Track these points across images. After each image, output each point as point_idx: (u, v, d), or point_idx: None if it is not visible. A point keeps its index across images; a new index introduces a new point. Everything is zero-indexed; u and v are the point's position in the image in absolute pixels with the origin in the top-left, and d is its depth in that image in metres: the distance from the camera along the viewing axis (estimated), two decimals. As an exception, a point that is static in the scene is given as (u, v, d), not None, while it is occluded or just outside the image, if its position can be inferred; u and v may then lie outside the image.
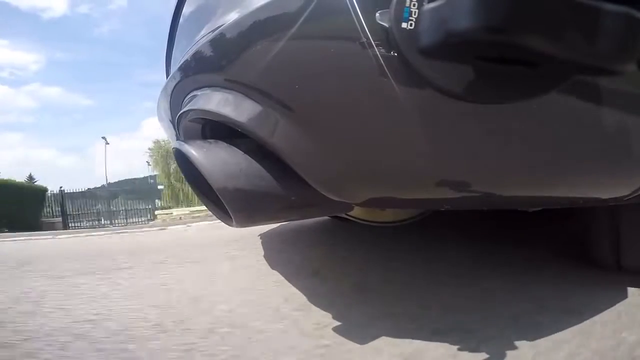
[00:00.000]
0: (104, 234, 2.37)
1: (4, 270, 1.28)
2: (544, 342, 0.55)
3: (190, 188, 0.69)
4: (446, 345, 0.56)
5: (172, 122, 0.75)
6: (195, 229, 2.36)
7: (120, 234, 2.32)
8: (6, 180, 9.78)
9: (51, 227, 9.42)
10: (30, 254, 1.72)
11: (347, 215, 1.11)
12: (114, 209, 14.00)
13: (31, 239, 2.40)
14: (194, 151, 0.52)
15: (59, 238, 2.39)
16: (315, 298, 0.82)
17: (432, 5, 0.32)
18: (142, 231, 2.47)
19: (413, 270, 0.97)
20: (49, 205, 11.69)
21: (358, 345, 0.59)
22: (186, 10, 0.76)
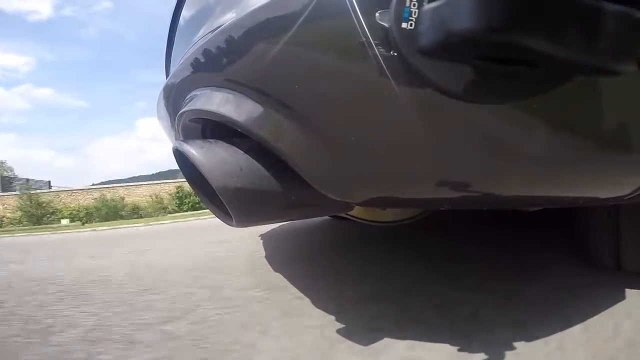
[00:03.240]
0: None
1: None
2: (543, 342, 0.55)
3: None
4: (447, 345, 0.56)
5: (172, 122, 0.74)
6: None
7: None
8: None
9: None
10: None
11: (347, 214, 1.11)
12: None
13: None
14: (193, 151, 0.52)
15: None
16: (317, 299, 0.82)
17: (432, 5, 0.32)
18: None
19: (413, 271, 0.97)
20: None
21: (359, 346, 0.59)
22: (186, 10, 0.76)
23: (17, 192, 11.17)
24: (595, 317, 0.62)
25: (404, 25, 0.35)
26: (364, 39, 0.37)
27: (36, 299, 1.02)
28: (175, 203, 10.47)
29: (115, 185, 12.02)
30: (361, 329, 0.64)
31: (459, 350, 0.55)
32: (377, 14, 0.36)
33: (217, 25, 0.52)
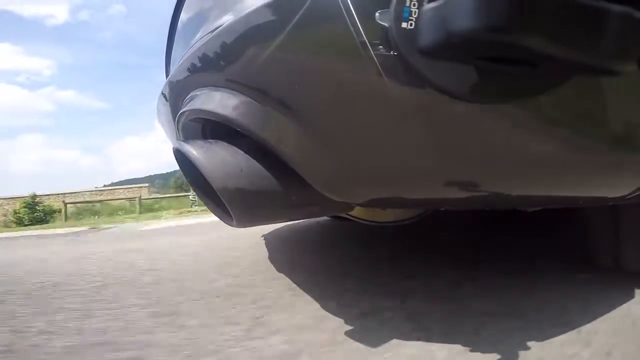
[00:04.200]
0: None
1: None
2: (543, 342, 0.55)
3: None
4: (447, 345, 0.56)
5: (172, 122, 0.75)
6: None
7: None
8: None
9: None
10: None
11: (348, 215, 1.11)
12: None
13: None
14: (194, 151, 0.52)
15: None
16: (317, 298, 0.82)
17: (432, 5, 0.32)
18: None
19: (413, 271, 0.97)
20: None
21: (362, 346, 0.59)
22: (186, 10, 0.76)
23: None
24: (596, 317, 0.62)
25: (404, 25, 0.35)
26: (364, 39, 0.37)
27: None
28: None
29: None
30: (361, 328, 0.64)
31: (460, 349, 0.55)
32: (377, 14, 0.36)
33: (217, 25, 0.52)
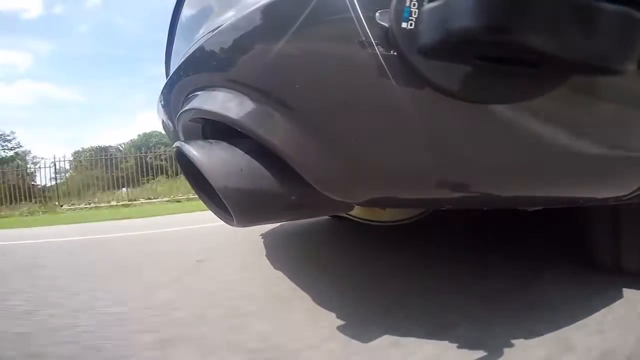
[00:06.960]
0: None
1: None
2: (542, 343, 0.55)
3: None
4: (445, 343, 0.56)
5: (173, 121, 0.75)
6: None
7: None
8: None
9: None
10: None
11: (348, 214, 1.11)
12: None
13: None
14: (194, 151, 0.52)
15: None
16: (317, 297, 0.82)
17: (432, 5, 0.32)
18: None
19: (412, 270, 0.98)
20: None
21: (360, 344, 0.59)
22: (186, 9, 0.76)
23: None
24: (595, 319, 0.62)
25: (404, 25, 0.35)
26: (364, 38, 0.37)
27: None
28: None
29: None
30: (361, 328, 0.65)
31: (457, 347, 0.55)
32: (377, 14, 0.36)
33: (218, 25, 0.52)
